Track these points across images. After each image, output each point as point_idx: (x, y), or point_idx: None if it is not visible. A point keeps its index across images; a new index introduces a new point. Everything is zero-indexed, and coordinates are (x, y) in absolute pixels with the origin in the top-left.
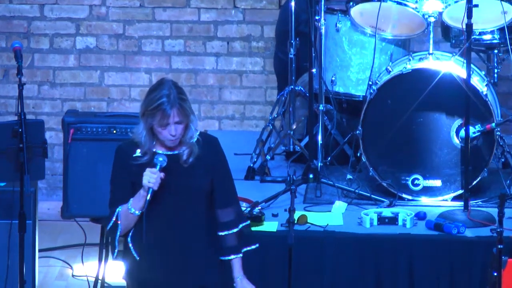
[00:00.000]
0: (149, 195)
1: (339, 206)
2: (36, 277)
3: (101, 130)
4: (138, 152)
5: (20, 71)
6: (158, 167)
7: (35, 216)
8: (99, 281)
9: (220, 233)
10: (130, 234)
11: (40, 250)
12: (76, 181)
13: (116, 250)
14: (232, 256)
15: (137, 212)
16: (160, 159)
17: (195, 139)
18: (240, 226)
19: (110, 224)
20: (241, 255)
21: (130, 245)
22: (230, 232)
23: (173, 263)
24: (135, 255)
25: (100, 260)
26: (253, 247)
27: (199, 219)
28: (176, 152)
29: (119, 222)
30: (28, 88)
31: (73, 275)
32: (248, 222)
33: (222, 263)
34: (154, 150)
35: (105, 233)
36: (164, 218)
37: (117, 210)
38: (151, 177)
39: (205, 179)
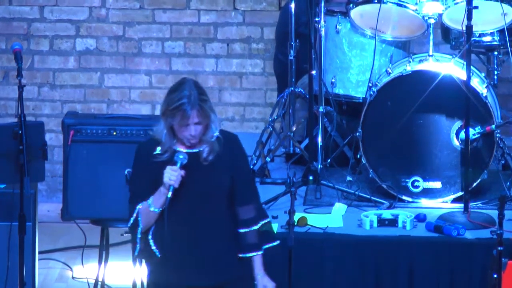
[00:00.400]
0: (170, 193)
1: (339, 208)
2: (36, 279)
3: (101, 132)
4: (158, 150)
5: (20, 72)
6: (178, 164)
7: (35, 218)
8: (99, 283)
9: (240, 230)
10: (151, 231)
11: (40, 252)
12: (76, 183)
13: (138, 247)
14: (252, 253)
15: (157, 209)
16: (181, 156)
17: (215, 137)
18: (260, 223)
19: (131, 221)
20: (261, 252)
21: (152, 242)
22: (250, 229)
23: (194, 259)
24: (156, 252)
25: (100, 262)
26: (274, 244)
27: (219, 216)
28: (196, 150)
29: (139, 220)
30: (28, 89)
31: (73, 277)
32: (269, 219)
33: (242, 260)
34: (174, 148)
35: (128, 231)
36: (185, 216)
37: (137, 207)
38: (172, 175)
39: (225, 176)
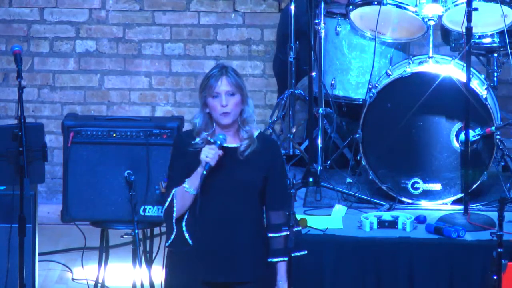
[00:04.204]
0: (205, 171)
1: (339, 209)
2: (36, 280)
3: (101, 134)
4: (197, 140)
5: (20, 74)
6: (217, 144)
7: (35, 219)
8: (99, 285)
9: (269, 235)
10: (185, 219)
11: (40, 254)
12: (76, 184)
13: (174, 234)
14: (279, 259)
15: (192, 191)
16: (221, 136)
17: (256, 134)
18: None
19: (166, 205)
20: (287, 258)
21: (184, 229)
22: (279, 235)
23: (221, 253)
24: (189, 240)
25: (100, 263)
26: (302, 253)
27: (249, 214)
28: (235, 145)
29: (174, 203)
30: (28, 91)
31: (73, 279)
32: (299, 228)
33: (267, 263)
34: (212, 140)
35: (162, 216)
36: (216, 208)
37: (173, 190)
38: (209, 153)
39: (259, 175)
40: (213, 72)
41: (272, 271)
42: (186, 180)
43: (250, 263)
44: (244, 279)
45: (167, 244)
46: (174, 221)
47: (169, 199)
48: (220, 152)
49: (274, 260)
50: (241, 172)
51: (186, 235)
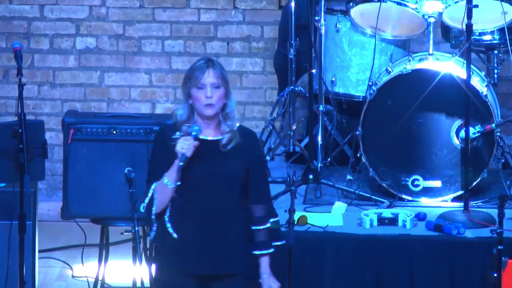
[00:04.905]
0: (182, 162)
1: (339, 206)
2: (36, 277)
3: (101, 131)
4: (177, 134)
5: (20, 71)
6: (192, 135)
7: (35, 216)
8: (99, 282)
9: (253, 227)
10: (168, 214)
11: (40, 251)
12: (76, 181)
13: (154, 229)
14: (263, 251)
15: (171, 183)
16: (196, 128)
17: (236, 127)
18: (270, 221)
19: (146, 200)
20: (271, 250)
21: (168, 224)
22: (261, 227)
23: (206, 246)
24: (173, 234)
25: (100, 260)
26: (280, 243)
27: (232, 206)
28: (217, 138)
29: (154, 197)
30: (28, 88)
31: (73, 276)
32: (277, 218)
33: (251, 256)
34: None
35: (143, 211)
36: (199, 201)
37: (153, 185)
38: (184, 144)
39: (241, 167)
40: (199, 64)
41: (256, 265)
42: (164, 174)
43: (237, 255)
44: (231, 271)
45: (151, 239)
46: (154, 215)
47: (149, 194)
48: (196, 142)
49: (257, 252)
50: (223, 164)
51: (170, 229)
